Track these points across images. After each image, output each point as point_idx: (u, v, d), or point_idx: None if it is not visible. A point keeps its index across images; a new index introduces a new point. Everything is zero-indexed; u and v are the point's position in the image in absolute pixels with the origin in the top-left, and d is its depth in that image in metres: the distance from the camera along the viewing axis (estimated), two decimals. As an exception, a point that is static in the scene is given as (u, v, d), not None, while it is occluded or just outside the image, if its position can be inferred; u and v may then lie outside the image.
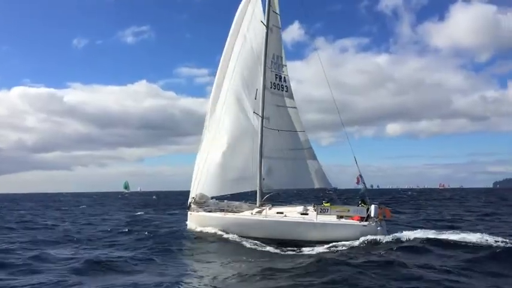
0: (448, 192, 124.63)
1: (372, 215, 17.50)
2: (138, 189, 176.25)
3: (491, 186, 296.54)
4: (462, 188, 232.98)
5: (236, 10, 22.72)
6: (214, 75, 22.68)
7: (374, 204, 17.97)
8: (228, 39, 22.29)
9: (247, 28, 21.74)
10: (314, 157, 22.99)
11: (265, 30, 21.67)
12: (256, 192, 21.69)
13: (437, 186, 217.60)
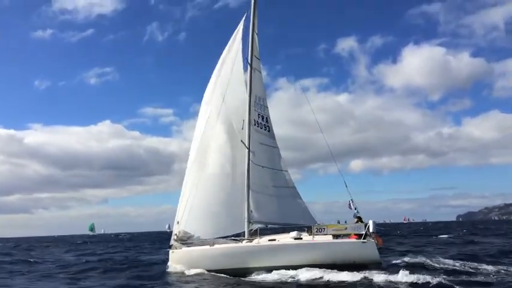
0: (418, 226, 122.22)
1: (371, 230, 17.08)
2: (102, 231, 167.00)
3: (454, 219, 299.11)
4: (425, 221, 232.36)
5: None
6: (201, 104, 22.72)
7: (371, 220, 17.59)
8: (214, 75, 22.80)
9: (233, 65, 22.44)
10: (298, 196, 22.82)
11: (249, 69, 22.55)
12: (242, 231, 20.70)
13: (402, 221, 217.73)
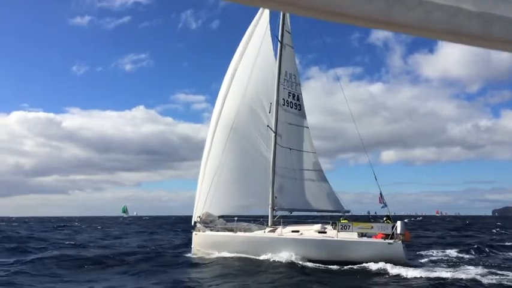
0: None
1: (398, 231, 16.29)
2: (135, 214, 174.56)
3: (490, 214, 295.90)
4: (459, 215, 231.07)
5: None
6: (223, 90, 21.70)
7: (400, 221, 16.78)
8: (238, 52, 21.64)
9: (261, 42, 21.16)
10: (325, 180, 21.97)
11: (279, 46, 21.24)
12: (265, 215, 20.40)
13: (434, 213, 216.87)
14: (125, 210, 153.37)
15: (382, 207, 18.41)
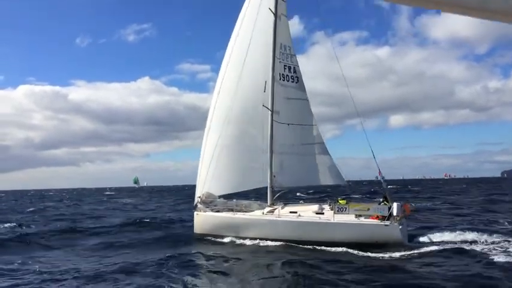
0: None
1: (394, 213, 16.25)
2: (145, 184, 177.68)
3: (498, 175, 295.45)
4: (467, 177, 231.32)
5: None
6: (220, 68, 21.24)
7: (396, 202, 16.68)
8: (236, 27, 20.89)
9: (256, 15, 20.31)
10: (326, 152, 21.69)
11: (274, 18, 20.33)
12: (266, 190, 20.48)
13: (443, 176, 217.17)
14: (136, 181, 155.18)
15: (381, 179, 18.41)
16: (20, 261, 15.18)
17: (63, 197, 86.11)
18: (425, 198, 45.24)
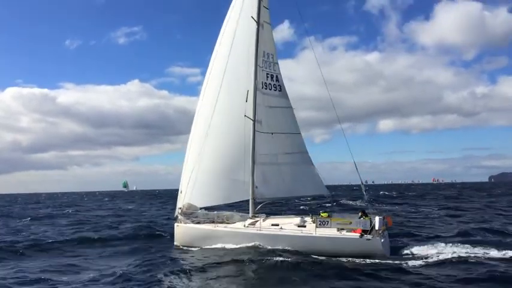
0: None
1: (376, 227, 16.04)
2: (134, 188, 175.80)
3: (486, 180, 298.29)
4: (455, 182, 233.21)
5: (227, 9, 21.06)
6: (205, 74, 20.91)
7: (378, 216, 16.46)
8: (219, 36, 20.55)
9: (237, 24, 19.99)
10: (310, 162, 21.38)
11: (256, 27, 19.99)
12: (249, 201, 20.11)
13: (431, 181, 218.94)
14: (125, 185, 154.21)
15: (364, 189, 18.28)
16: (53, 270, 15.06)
17: (58, 202, 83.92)
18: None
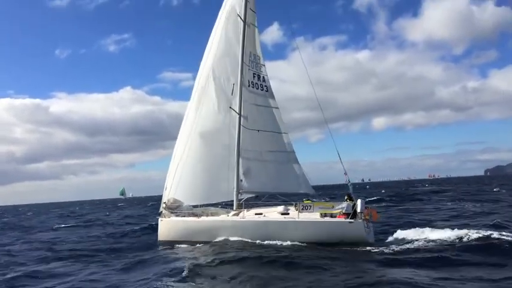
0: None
1: (358, 210, 15.97)
2: (130, 195, 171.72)
3: (482, 174, 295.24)
4: (449, 177, 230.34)
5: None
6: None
7: (360, 198, 16.44)
8: (210, 37, 21.20)
9: (225, 23, 20.69)
10: (296, 161, 21.47)
11: (242, 25, 20.67)
12: (232, 202, 19.99)
13: (427, 177, 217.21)
14: (123, 193, 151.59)
15: (348, 183, 18.04)
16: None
17: (67, 211, 75.58)
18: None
